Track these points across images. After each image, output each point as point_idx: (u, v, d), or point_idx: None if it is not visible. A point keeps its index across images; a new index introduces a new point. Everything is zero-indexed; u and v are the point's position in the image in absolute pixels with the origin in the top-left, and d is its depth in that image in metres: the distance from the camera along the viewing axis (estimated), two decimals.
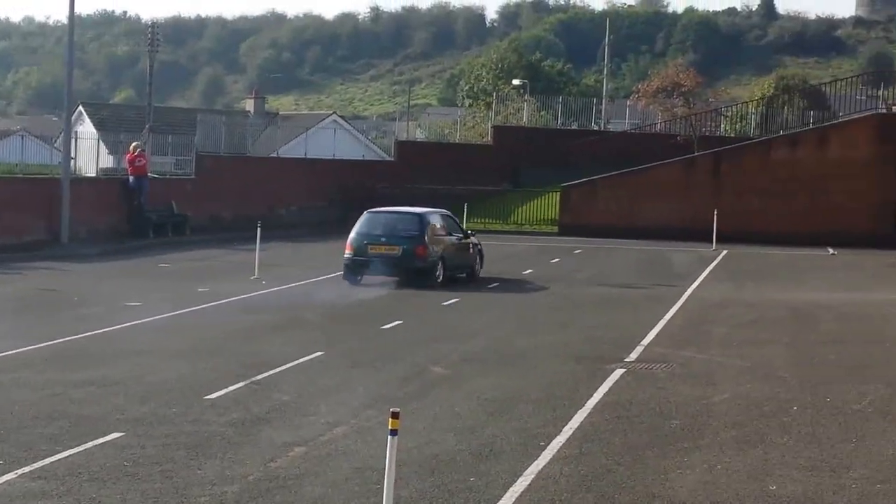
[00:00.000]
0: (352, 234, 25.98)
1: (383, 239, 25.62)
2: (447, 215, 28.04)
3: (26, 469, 10.32)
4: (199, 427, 12.05)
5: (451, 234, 27.04)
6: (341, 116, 73.19)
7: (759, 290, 26.41)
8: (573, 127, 61.24)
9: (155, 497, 9.58)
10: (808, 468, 10.81)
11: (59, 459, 10.66)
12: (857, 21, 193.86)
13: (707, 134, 52.91)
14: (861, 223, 41.47)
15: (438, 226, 26.62)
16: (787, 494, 9.96)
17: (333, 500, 9.56)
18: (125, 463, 10.60)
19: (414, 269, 25.52)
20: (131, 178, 37.42)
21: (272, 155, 50.10)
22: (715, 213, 39.67)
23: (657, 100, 57.34)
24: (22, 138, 39.44)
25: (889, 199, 41.57)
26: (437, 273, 25.73)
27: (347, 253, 25.79)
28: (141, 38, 77.65)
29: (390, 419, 8.01)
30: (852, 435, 12.14)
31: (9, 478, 10.06)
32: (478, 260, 28.04)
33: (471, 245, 27.75)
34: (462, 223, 40.35)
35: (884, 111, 45.36)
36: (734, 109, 62.07)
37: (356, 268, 25.74)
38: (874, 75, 61.13)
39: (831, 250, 38.27)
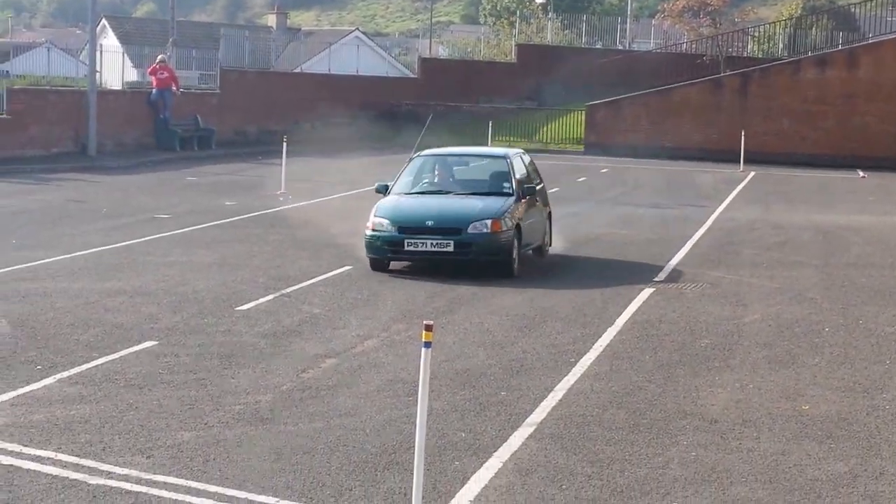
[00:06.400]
0: None
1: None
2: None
3: (64, 374, 10.42)
4: (232, 337, 12.12)
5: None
6: (363, 33, 72.58)
7: (787, 212, 26.26)
8: (597, 46, 60.63)
9: (191, 403, 9.65)
10: (840, 389, 10.78)
11: (96, 366, 10.75)
12: None
13: (734, 54, 52.24)
14: (891, 146, 41.05)
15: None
16: (820, 414, 9.92)
17: (366, 411, 9.61)
18: (160, 371, 10.67)
19: None
20: (153, 92, 37.43)
21: (296, 70, 49.88)
22: (742, 134, 39.37)
23: (683, 19, 56.44)
24: (48, 50, 39.16)
25: None
26: None
27: None
28: None
29: (424, 331, 8.00)
30: (885, 357, 12.09)
31: (47, 382, 10.16)
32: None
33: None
34: (487, 141, 40.37)
35: None
36: (761, 30, 61.29)
37: None
38: None
39: (861, 173, 37.93)
